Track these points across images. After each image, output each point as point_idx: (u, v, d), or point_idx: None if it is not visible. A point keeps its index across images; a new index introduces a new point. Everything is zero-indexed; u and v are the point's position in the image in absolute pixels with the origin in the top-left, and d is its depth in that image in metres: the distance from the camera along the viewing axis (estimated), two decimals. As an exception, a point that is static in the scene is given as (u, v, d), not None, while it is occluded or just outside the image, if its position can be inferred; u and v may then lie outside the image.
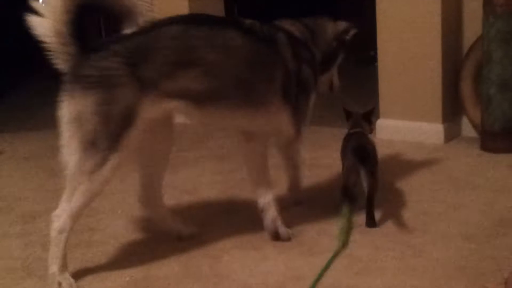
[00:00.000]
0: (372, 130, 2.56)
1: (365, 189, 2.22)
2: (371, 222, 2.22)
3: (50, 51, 1.91)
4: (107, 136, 1.93)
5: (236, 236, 2.26)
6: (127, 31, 2.01)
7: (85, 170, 1.94)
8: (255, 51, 2.12)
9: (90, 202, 2.02)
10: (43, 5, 1.93)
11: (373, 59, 4.43)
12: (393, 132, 3.30)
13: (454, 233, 2.16)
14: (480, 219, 2.26)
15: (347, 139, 2.44)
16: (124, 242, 2.33)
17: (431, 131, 3.18)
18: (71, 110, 1.92)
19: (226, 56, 2.07)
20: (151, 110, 1.99)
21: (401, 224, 2.26)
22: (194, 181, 2.93)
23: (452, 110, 3.22)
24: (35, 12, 1.89)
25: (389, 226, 2.25)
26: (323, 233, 2.23)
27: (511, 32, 2.86)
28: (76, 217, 1.99)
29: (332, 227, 2.09)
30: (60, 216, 1.97)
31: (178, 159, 3.28)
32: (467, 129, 3.25)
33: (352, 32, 2.41)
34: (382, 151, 3.15)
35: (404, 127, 3.26)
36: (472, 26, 3.14)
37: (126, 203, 2.70)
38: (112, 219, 2.55)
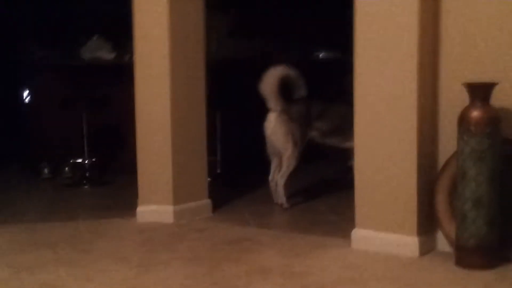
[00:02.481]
0: None
1: None
2: None
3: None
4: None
5: None
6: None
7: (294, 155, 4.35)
8: None
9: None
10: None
11: (351, 169, 4.52)
12: (368, 243, 3.27)
13: None
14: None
15: None
16: None
17: (406, 243, 3.17)
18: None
19: None
20: None
21: None
22: (164, 284, 2.85)
23: (427, 224, 3.22)
24: None
25: None
26: None
27: (485, 151, 2.91)
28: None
29: None
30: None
31: (149, 260, 3.21)
32: (442, 244, 3.23)
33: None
34: (356, 262, 3.14)
35: (379, 238, 3.24)
36: (448, 142, 3.20)
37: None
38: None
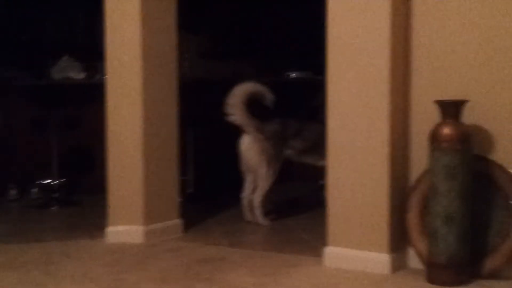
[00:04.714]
0: None
1: None
2: None
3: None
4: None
5: None
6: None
7: (269, 173, 4.38)
8: None
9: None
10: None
11: (322, 188, 4.53)
12: (341, 260, 3.26)
13: None
14: None
15: None
16: None
17: (378, 261, 3.16)
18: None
19: None
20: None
21: None
22: (133, 304, 2.79)
23: (399, 241, 3.22)
24: None
25: None
26: None
27: (457, 167, 2.93)
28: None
29: None
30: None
31: (118, 281, 3.15)
32: (414, 261, 3.23)
33: None
34: (328, 280, 3.11)
35: (352, 255, 3.23)
36: (419, 159, 3.22)
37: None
38: None
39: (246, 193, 4.47)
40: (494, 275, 3.00)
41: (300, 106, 5.54)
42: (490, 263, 3.00)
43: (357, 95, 3.22)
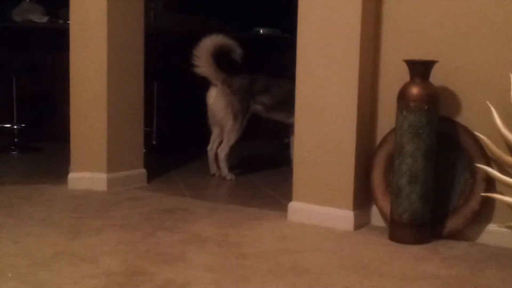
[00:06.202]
0: None
1: None
2: None
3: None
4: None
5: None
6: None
7: (236, 127, 4.34)
8: None
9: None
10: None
11: (288, 146, 4.57)
12: (305, 215, 3.28)
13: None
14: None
15: None
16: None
17: (341, 217, 3.19)
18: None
19: None
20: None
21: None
22: (95, 249, 2.76)
23: (363, 199, 3.25)
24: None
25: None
26: None
27: (423, 127, 2.95)
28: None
29: None
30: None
31: (80, 225, 3.12)
32: (377, 218, 3.27)
33: None
34: (291, 233, 3.14)
35: (316, 211, 3.25)
36: (386, 118, 3.23)
37: (19, 266, 2.49)
38: (1, 282, 2.33)
39: (211, 146, 4.45)
40: (454, 236, 3.06)
41: (267, 63, 5.51)
42: (451, 223, 3.06)
43: (326, 53, 3.20)
